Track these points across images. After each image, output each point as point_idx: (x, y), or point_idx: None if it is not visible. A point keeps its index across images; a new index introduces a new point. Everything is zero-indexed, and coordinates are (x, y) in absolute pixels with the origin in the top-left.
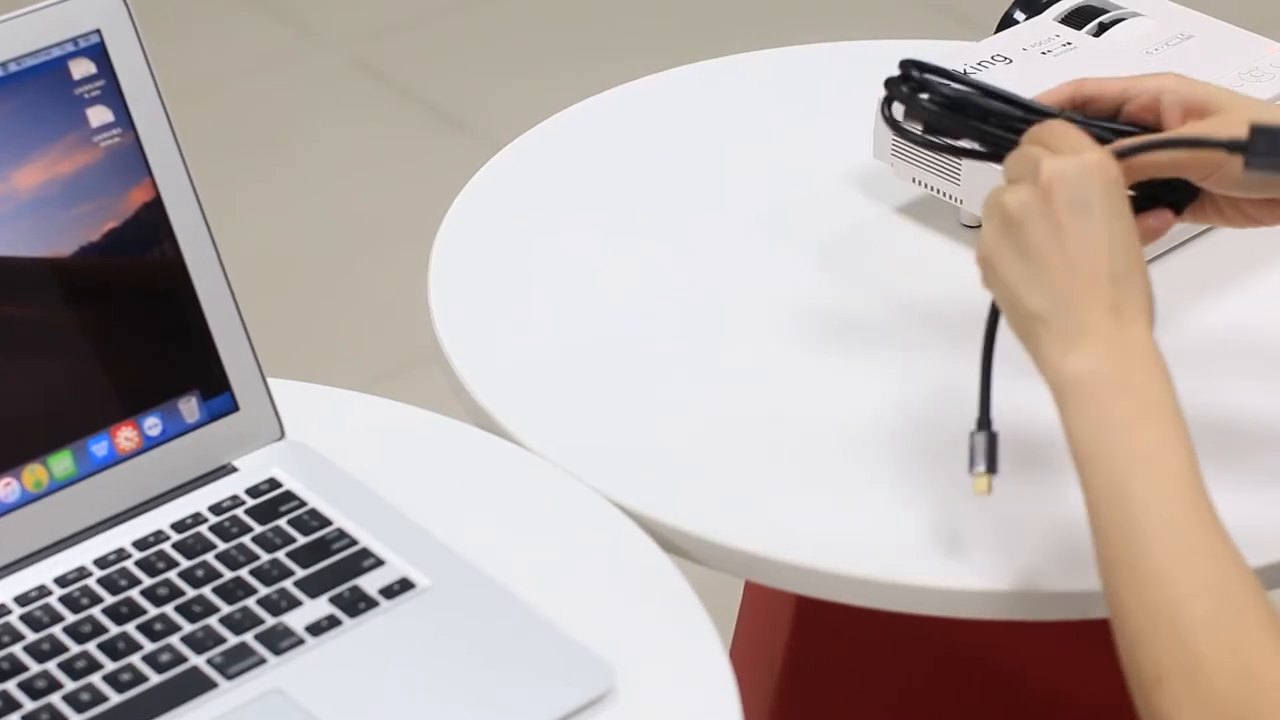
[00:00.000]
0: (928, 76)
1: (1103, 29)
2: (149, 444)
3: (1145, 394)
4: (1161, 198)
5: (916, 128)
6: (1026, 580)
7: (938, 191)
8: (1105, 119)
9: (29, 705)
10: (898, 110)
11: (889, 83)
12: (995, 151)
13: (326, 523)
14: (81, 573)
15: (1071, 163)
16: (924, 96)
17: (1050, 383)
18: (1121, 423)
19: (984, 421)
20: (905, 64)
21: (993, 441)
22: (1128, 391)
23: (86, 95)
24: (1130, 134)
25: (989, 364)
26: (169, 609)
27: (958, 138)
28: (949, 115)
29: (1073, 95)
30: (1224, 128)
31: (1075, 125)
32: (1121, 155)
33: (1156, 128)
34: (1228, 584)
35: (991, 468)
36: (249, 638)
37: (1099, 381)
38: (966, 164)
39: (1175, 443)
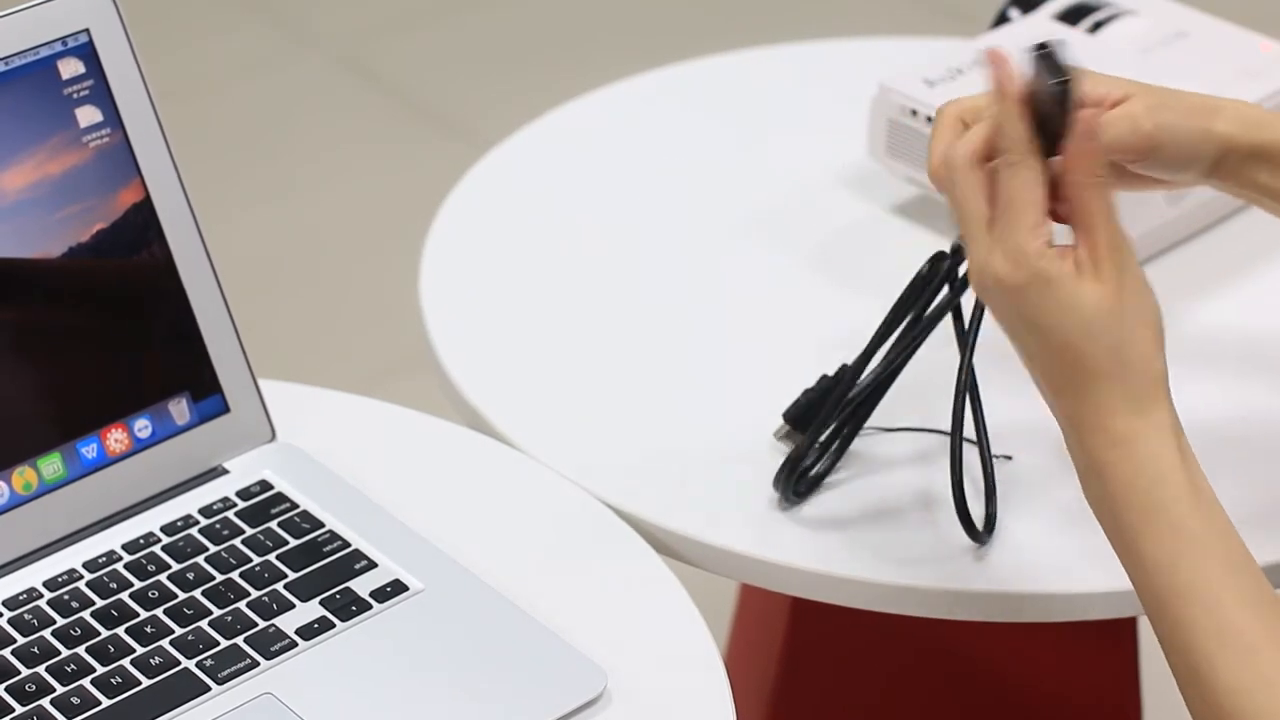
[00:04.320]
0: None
1: (1098, 27)
2: (139, 446)
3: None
4: None
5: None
6: (1021, 582)
7: (933, 190)
8: None
9: (19, 709)
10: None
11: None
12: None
13: (318, 525)
14: (71, 576)
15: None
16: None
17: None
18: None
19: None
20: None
21: None
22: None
23: (75, 95)
24: None
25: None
26: (159, 612)
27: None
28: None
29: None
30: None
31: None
32: None
33: None
34: None
35: None
36: (240, 641)
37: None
38: None
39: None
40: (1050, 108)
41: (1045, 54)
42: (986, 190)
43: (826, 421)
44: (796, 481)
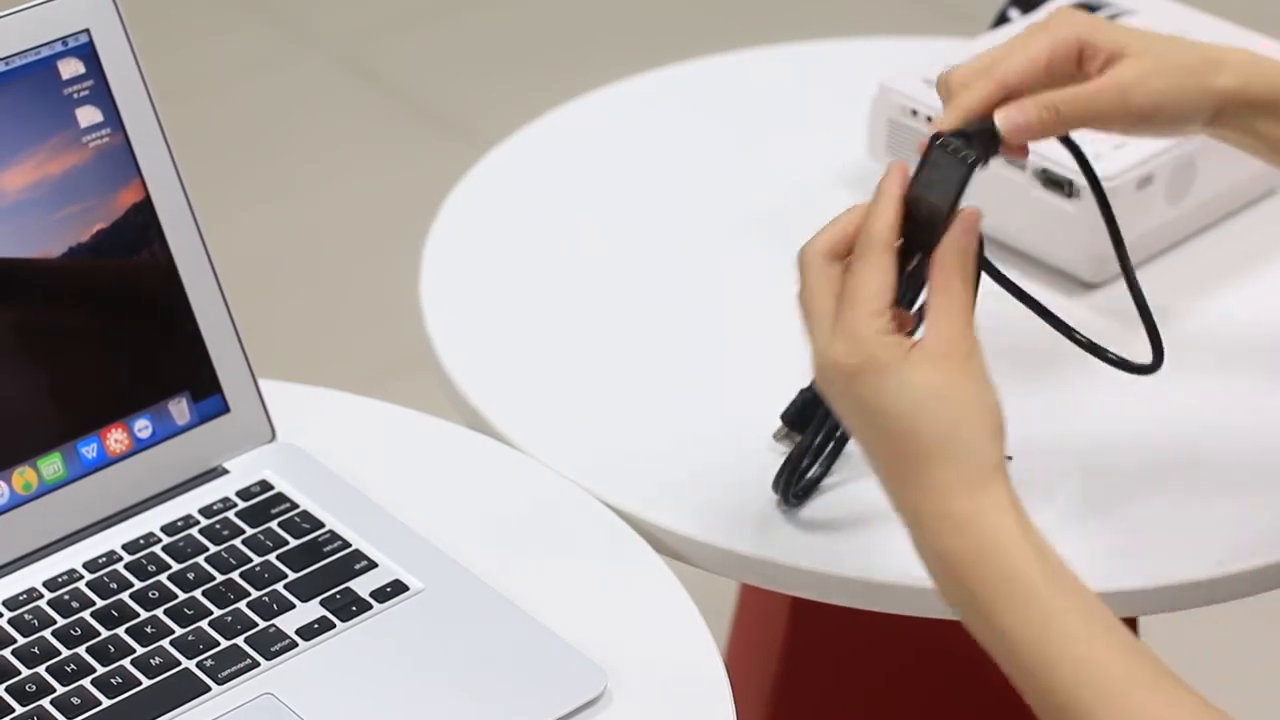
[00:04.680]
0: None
1: None
2: (139, 446)
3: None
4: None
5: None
6: None
7: None
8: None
9: (19, 710)
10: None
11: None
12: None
13: (318, 525)
14: (71, 576)
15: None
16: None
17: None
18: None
19: None
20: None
21: None
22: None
23: (75, 95)
24: None
25: None
26: (160, 612)
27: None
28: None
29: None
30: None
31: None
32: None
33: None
34: None
35: None
36: (240, 641)
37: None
38: None
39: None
40: (935, 201)
41: (943, 144)
42: (835, 287)
43: (823, 423)
44: (796, 484)
